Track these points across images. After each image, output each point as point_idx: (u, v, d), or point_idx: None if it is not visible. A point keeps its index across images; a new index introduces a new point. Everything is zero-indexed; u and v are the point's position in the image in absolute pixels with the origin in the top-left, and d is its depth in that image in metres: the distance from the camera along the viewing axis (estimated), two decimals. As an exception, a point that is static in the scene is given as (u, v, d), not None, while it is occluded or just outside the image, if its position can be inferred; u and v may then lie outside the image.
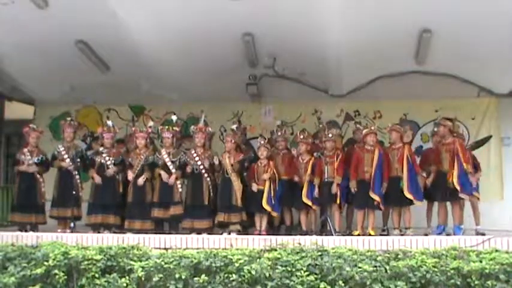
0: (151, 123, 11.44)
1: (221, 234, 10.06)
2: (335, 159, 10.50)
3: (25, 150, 11.04)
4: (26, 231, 10.48)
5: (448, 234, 9.81)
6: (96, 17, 10.10)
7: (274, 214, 10.59)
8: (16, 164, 11.08)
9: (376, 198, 10.06)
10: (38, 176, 11.01)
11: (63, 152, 10.99)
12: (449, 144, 10.27)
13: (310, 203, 10.45)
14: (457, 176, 9.88)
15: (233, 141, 10.67)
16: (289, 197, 10.77)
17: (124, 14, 10.10)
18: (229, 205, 10.33)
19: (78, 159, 11.01)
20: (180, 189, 10.58)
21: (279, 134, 11.38)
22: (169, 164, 10.60)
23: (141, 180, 10.56)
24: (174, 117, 11.34)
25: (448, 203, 10.30)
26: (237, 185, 10.36)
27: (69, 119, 11.74)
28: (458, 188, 9.87)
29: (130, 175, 10.62)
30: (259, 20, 10.25)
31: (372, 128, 10.69)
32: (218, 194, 10.47)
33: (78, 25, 10.45)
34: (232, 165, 10.42)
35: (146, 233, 10.01)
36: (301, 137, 10.98)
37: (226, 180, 10.44)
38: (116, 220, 10.61)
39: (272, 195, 10.40)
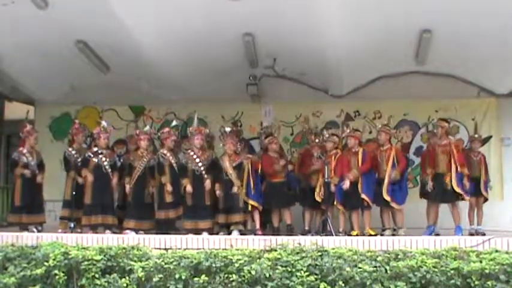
0: (147, 128, 11.46)
1: (217, 233, 10.15)
2: (332, 159, 10.55)
3: (24, 151, 11.02)
4: (27, 230, 10.50)
5: (437, 234, 9.94)
6: (96, 17, 10.10)
7: (255, 204, 10.71)
8: (15, 165, 11.03)
9: (366, 198, 10.21)
10: (41, 176, 11.05)
11: (76, 156, 11.11)
12: (445, 145, 10.36)
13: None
14: (456, 179, 10.05)
15: (234, 143, 10.72)
16: (280, 198, 10.93)
17: (124, 14, 10.10)
18: (232, 206, 10.40)
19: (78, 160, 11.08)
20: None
21: (275, 135, 11.46)
22: (175, 165, 10.66)
23: (151, 189, 10.66)
24: (174, 122, 11.47)
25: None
26: (237, 185, 10.43)
27: (78, 121, 11.78)
28: (459, 191, 10.05)
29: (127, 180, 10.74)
30: (260, 21, 10.25)
31: (348, 131, 10.80)
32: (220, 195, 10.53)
33: (78, 25, 10.46)
34: (234, 167, 10.50)
35: (146, 233, 10.11)
36: (317, 140, 11.13)
37: (226, 182, 10.48)
38: (113, 221, 10.65)
39: (252, 187, 10.66)
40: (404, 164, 10.45)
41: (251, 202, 10.65)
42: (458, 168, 10.11)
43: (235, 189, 10.39)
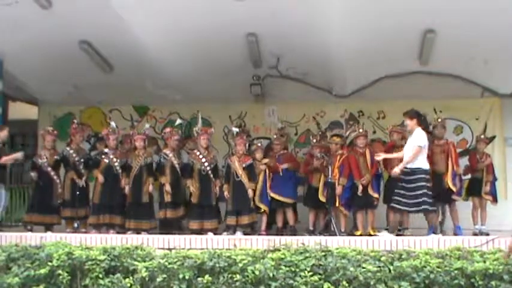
0: (147, 126, 11.49)
1: (221, 234, 10.16)
2: (336, 160, 10.55)
3: (42, 153, 11.17)
4: (31, 230, 10.51)
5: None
6: (100, 17, 10.11)
7: (266, 208, 10.72)
8: (33, 167, 11.14)
9: (375, 195, 10.26)
10: (55, 177, 11.11)
11: (74, 155, 11.14)
12: (443, 145, 10.43)
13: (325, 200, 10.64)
14: (451, 177, 10.14)
15: (244, 144, 10.74)
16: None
17: (128, 14, 10.11)
18: (244, 208, 10.42)
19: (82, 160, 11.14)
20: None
21: (275, 137, 11.50)
22: (177, 166, 10.70)
23: (150, 187, 10.65)
24: (178, 121, 11.51)
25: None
26: (250, 187, 10.46)
27: (76, 121, 11.81)
28: (453, 189, 10.17)
29: (125, 181, 10.71)
30: (263, 21, 10.26)
31: (361, 130, 10.78)
32: (231, 197, 10.52)
33: (82, 25, 10.48)
34: (243, 168, 10.51)
35: (149, 233, 10.14)
36: (314, 140, 11.21)
37: (238, 183, 10.49)
38: (121, 221, 10.67)
39: (267, 190, 10.68)
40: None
41: (263, 207, 10.66)
42: (454, 167, 10.21)
43: (250, 192, 10.42)
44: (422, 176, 9.32)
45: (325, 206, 10.69)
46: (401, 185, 9.51)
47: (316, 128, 12.95)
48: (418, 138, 9.44)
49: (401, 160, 9.65)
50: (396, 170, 9.53)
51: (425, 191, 9.31)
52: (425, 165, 9.43)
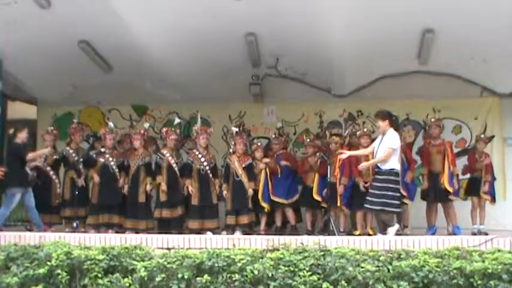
0: (146, 125, 11.49)
1: (220, 233, 10.15)
2: (337, 159, 10.53)
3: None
4: (30, 230, 10.52)
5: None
6: (99, 17, 10.13)
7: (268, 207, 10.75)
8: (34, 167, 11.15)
9: None
10: (54, 176, 11.16)
11: (73, 155, 11.19)
12: (439, 145, 10.48)
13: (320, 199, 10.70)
14: (448, 177, 10.19)
15: (245, 143, 10.75)
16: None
17: (128, 14, 10.12)
18: (243, 208, 10.45)
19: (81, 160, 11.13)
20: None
21: (274, 136, 11.52)
22: (174, 165, 10.67)
23: (148, 187, 10.64)
24: (177, 120, 11.49)
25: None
26: (250, 187, 10.49)
27: (76, 121, 11.83)
28: (450, 190, 10.22)
29: (124, 180, 10.77)
30: (262, 20, 10.27)
31: (365, 129, 10.78)
32: (230, 196, 10.54)
33: (81, 25, 10.48)
34: (243, 168, 10.55)
35: (148, 232, 10.13)
36: (308, 140, 11.33)
37: (238, 183, 10.51)
38: (120, 220, 10.67)
39: (270, 191, 10.73)
40: (414, 164, 10.68)
41: (266, 206, 10.71)
42: (451, 168, 10.26)
43: (250, 192, 10.45)
44: (392, 177, 9.29)
45: (321, 205, 10.71)
46: (371, 185, 9.58)
47: (318, 127, 12.94)
48: (391, 140, 9.36)
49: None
50: (363, 165, 9.62)
51: (391, 192, 9.25)
52: (397, 167, 9.39)
